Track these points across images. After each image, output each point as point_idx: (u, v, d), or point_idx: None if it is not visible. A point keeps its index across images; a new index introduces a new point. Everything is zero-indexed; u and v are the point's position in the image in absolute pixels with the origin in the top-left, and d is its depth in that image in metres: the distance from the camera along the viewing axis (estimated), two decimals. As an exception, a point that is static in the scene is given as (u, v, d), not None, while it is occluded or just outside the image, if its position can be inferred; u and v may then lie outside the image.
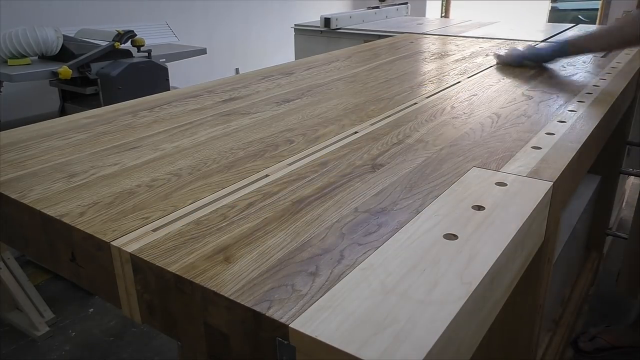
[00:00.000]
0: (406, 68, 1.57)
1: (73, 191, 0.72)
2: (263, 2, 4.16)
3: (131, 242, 0.58)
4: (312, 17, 3.04)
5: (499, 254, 0.55)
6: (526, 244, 0.68)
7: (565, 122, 1.01)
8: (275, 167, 0.80)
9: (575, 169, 0.87)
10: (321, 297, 0.48)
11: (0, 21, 2.54)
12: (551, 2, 4.88)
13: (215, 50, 3.53)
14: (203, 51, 2.81)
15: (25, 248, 0.74)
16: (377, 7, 3.11)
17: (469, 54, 1.81)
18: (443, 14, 5.04)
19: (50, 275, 2.07)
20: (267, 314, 0.46)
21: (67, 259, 0.66)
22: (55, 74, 2.14)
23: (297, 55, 2.81)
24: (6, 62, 2.21)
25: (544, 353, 1.43)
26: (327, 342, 0.42)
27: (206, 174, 0.78)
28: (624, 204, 2.55)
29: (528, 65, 1.51)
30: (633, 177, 2.55)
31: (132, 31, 2.39)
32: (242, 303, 0.47)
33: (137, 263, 0.56)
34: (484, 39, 2.18)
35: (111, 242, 0.58)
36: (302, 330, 0.43)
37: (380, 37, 2.41)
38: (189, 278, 0.51)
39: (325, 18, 2.63)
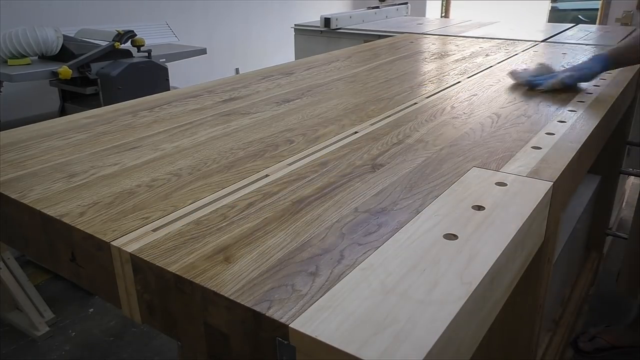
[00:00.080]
0: (406, 68, 1.57)
1: (73, 191, 0.72)
2: (263, 2, 4.15)
3: (131, 242, 0.58)
4: (312, 17, 3.04)
5: (499, 254, 0.55)
6: (526, 244, 0.68)
7: (565, 122, 1.00)
8: (275, 167, 0.80)
9: (575, 169, 0.87)
10: (321, 297, 0.48)
11: (0, 21, 2.54)
12: (551, 2, 4.88)
13: (215, 50, 3.53)
14: (203, 51, 2.80)
15: (25, 248, 0.74)
16: (377, 7, 3.11)
17: (469, 54, 1.81)
18: (443, 14, 5.03)
19: (50, 275, 2.07)
20: (267, 314, 0.46)
21: (67, 259, 0.66)
22: (55, 74, 2.13)
23: (297, 55, 2.81)
24: (6, 62, 2.21)
25: (544, 353, 1.43)
26: (327, 342, 0.42)
27: (206, 174, 0.78)
28: (624, 204, 2.55)
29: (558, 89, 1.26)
30: (633, 177, 2.55)
31: (132, 31, 2.39)
32: (242, 303, 0.47)
33: (137, 263, 0.56)
34: (484, 39, 2.18)
35: (111, 242, 0.58)
36: (302, 330, 0.43)
37: (380, 37, 2.41)
38: (189, 278, 0.51)
39: (325, 18, 2.63)
